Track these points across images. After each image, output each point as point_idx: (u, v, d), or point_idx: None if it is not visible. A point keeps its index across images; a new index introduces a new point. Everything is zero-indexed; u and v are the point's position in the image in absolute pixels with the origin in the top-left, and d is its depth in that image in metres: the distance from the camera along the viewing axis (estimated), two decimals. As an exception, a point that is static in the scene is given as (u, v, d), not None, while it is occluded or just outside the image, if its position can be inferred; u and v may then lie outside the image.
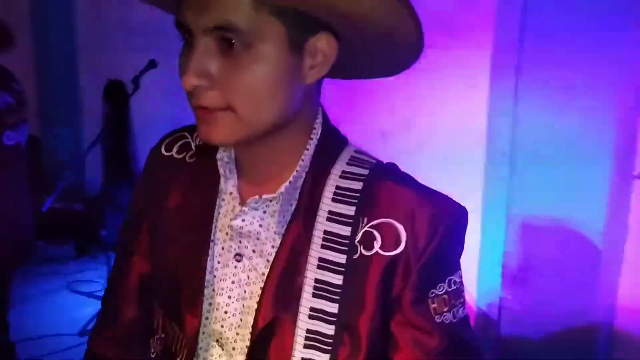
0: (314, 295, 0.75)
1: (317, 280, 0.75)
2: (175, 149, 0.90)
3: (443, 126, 2.75)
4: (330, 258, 0.75)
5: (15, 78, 2.15)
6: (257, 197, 0.78)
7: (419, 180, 0.81)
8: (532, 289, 2.71)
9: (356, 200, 0.76)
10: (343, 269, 0.75)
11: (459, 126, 2.70)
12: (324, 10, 0.69)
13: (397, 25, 0.70)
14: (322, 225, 0.76)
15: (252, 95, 0.70)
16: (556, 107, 2.51)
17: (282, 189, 0.77)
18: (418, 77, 2.45)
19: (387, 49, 0.76)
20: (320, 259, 0.75)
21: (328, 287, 0.75)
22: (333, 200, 0.77)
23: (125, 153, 4.35)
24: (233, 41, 0.68)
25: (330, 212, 0.76)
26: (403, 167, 0.82)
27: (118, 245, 0.99)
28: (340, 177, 0.78)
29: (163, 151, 0.91)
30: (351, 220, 0.76)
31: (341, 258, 0.75)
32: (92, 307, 3.54)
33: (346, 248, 0.75)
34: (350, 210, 0.76)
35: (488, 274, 2.76)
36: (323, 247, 0.75)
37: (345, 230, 0.75)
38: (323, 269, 0.75)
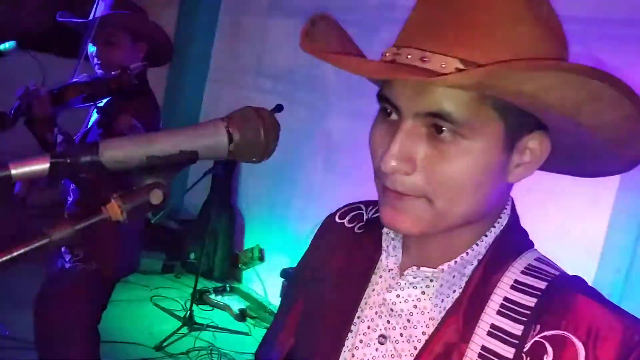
0: None
1: None
2: (347, 218, 0.90)
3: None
4: None
5: None
6: (414, 268, 0.73)
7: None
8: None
9: (525, 319, 0.68)
10: None
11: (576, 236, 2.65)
12: (558, 112, 0.64)
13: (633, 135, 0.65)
14: (480, 338, 0.69)
15: (454, 188, 0.66)
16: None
17: (444, 266, 0.72)
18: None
19: (613, 148, 0.69)
20: None
21: None
22: (498, 313, 0.69)
23: (230, 186, 4.55)
24: (444, 129, 0.64)
25: (492, 326, 0.68)
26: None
27: (281, 300, 1.00)
28: (512, 287, 0.70)
29: (337, 219, 0.91)
30: (516, 341, 0.67)
31: None
32: (170, 325, 3.66)
33: None
34: (516, 329, 0.67)
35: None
36: (481, 357, 0.68)
37: (508, 351, 0.67)
38: None
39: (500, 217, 0.75)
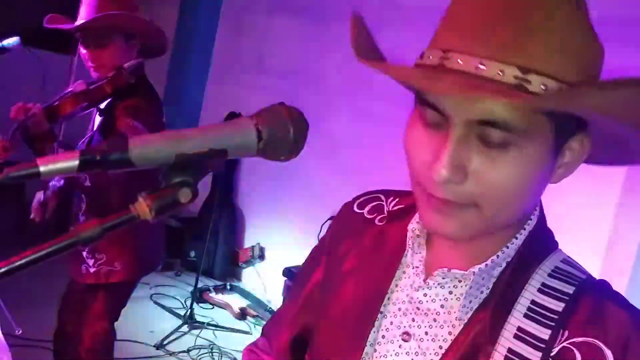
0: None
1: None
2: (367, 209, 0.88)
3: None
4: None
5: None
6: (445, 269, 0.72)
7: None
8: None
9: (553, 324, 0.67)
10: None
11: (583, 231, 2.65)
12: (621, 120, 0.62)
13: None
14: (507, 341, 0.68)
15: (504, 195, 0.65)
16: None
17: (475, 269, 0.71)
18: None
19: None
20: None
21: None
22: (526, 316, 0.68)
23: (231, 184, 4.54)
24: (496, 136, 0.62)
25: (519, 329, 0.68)
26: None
27: (289, 291, 0.99)
28: (539, 290, 0.70)
29: (355, 208, 0.90)
30: (543, 346, 0.66)
31: None
32: (170, 323, 3.65)
33: None
34: (544, 334, 0.67)
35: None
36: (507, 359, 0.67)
37: (534, 355, 0.66)
38: None
39: (531, 219, 0.74)
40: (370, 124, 3.41)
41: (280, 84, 4.30)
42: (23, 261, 0.52)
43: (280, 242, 4.19)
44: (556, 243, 0.77)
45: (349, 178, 3.76)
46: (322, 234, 3.54)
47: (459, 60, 0.62)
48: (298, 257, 3.78)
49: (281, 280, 3.31)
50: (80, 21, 2.11)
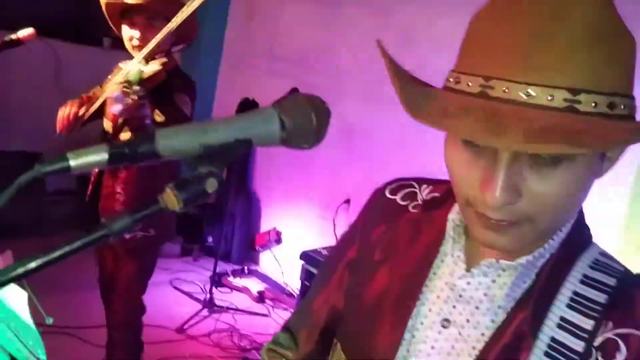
0: None
1: None
2: (400, 195, 0.89)
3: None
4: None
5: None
6: (492, 260, 0.73)
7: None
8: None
9: (597, 315, 0.68)
10: None
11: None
12: None
13: None
14: (550, 330, 0.69)
15: (558, 208, 0.66)
16: None
17: (522, 260, 0.72)
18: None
19: None
20: (547, 354, 0.68)
21: None
22: (568, 306, 0.70)
23: (247, 169, 4.57)
24: (547, 155, 0.63)
25: (562, 319, 0.69)
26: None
27: (318, 272, 0.99)
28: (581, 282, 0.71)
29: (387, 194, 0.90)
30: (586, 336, 0.67)
31: None
32: (191, 307, 3.70)
33: (577, 358, 0.67)
34: (587, 324, 0.68)
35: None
36: (550, 349, 0.68)
37: (577, 345, 0.67)
38: None
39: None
40: (385, 108, 3.40)
41: (293, 69, 4.29)
42: (57, 254, 0.53)
43: (296, 225, 4.22)
44: (591, 236, 0.77)
45: (363, 162, 3.76)
46: (337, 217, 3.57)
47: (504, 89, 0.62)
48: (314, 240, 3.82)
49: (298, 264, 3.33)
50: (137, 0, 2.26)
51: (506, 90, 0.61)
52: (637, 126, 0.63)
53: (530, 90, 0.60)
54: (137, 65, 2.15)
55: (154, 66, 2.22)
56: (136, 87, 2.06)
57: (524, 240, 0.68)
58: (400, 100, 0.66)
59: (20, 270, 0.53)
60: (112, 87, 2.22)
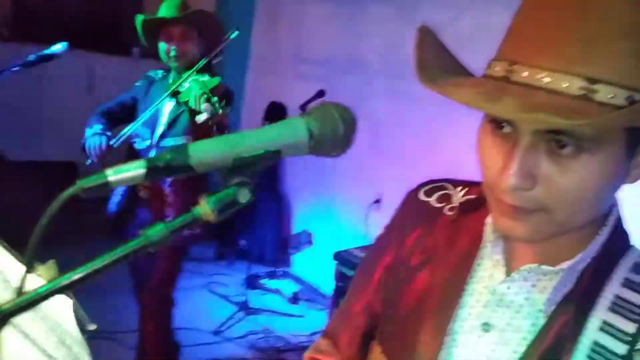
0: None
1: None
2: (434, 197, 0.88)
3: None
4: None
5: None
6: (534, 265, 0.73)
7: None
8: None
9: (639, 318, 0.68)
10: None
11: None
12: None
13: None
14: (592, 333, 0.69)
15: (575, 201, 0.65)
16: None
17: (564, 265, 0.72)
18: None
19: None
20: (590, 357, 0.68)
21: None
22: (610, 309, 0.69)
23: (277, 173, 4.60)
24: (566, 144, 0.63)
25: (604, 322, 0.69)
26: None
27: (355, 277, 0.98)
28: (623, 285, 0.71)
29: (421, 196, 0.89)
30: (630, 339, 0.67)
31: None
32: (226, 310, 3.75)
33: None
34: (629, 327, 0.68)
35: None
36: (592, 352, 0.68)
37: (620, 348, 0.67)
38: None
39: (610, 215, 0.75)
40: (412, 106, 3.39)
41: (320, 70, 4.31)
42: (99, 265, 0.56)
43: (327, 227, 4.23)
44: (630, 240, 0.77)
45: (392, 161, 3.76)
46: (368, 218, 3.54)
47: (524, 73, 0.63)
48: (346, 241, 3.82)
49: (331, 265, 3.34)
50: (172, 15, 2.39)
51: (525, 75, 0.63)
52: (631, 110, 0.61)
53: (548, 77, 0.61)
54: (203, 77, 2.17)
55: (212, 78, 2.24)
56: (215, 98, 2.07)
57: (540, 230, 0.68)
58: (416, 65, 0.68)
59: (65, 282, 0.56)
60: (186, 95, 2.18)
